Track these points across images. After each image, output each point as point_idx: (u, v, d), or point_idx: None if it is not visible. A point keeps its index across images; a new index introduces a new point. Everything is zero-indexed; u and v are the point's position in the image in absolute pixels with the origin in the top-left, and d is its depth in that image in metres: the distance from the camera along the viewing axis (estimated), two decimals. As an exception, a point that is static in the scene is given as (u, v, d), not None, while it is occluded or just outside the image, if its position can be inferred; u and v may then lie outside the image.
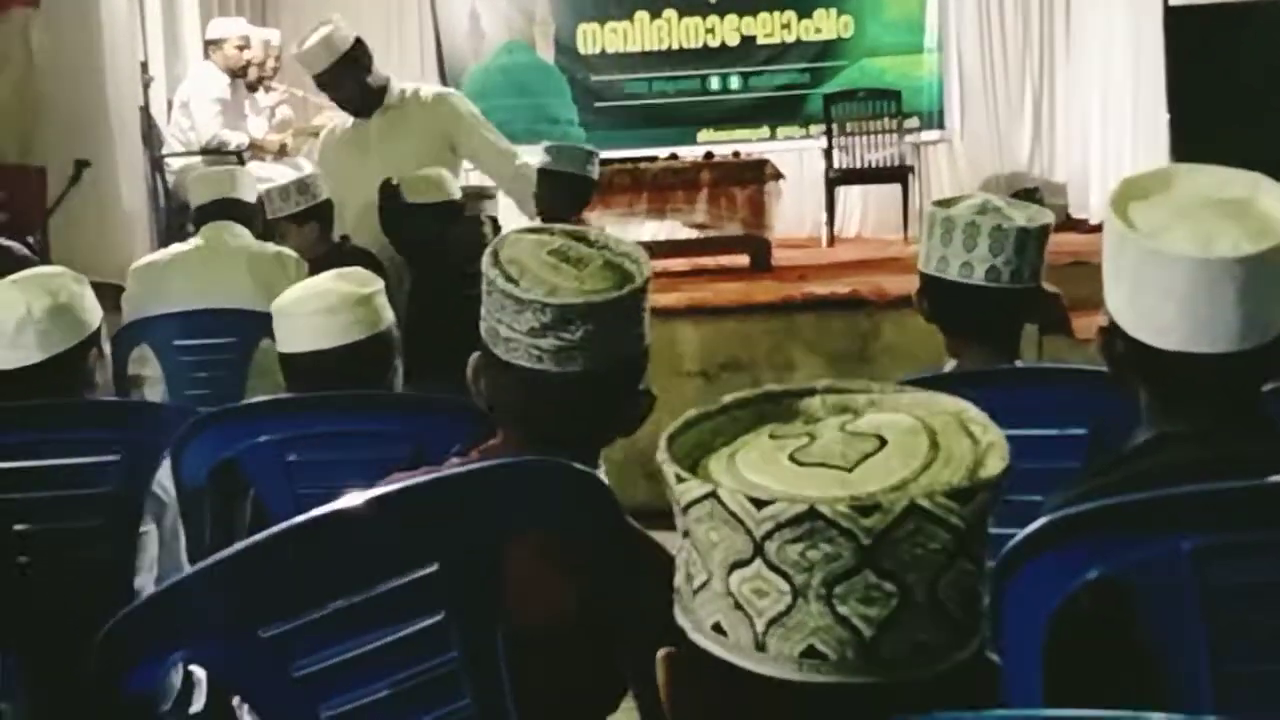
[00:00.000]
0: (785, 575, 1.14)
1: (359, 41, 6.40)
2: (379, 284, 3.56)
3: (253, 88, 9.54)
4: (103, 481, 3.30)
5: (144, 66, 9.03)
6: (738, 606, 1.17)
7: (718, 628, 1.19)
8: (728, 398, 1.29)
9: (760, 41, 11.91)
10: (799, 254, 10.21)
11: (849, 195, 11.40)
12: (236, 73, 9.34)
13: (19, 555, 3.23)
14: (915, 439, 1.20)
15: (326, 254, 5.74)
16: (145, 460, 3.34)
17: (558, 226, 2.39)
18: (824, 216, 10.84)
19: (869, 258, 9.92)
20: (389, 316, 3.54)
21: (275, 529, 2.01)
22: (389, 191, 5.63)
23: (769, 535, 1.14)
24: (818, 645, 1.15)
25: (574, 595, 2.15)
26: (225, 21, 9.67)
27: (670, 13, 11.97)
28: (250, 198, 5.85)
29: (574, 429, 2.26)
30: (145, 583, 3.41)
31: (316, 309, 3.43)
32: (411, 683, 2.05)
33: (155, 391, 5.21)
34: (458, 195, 5.61)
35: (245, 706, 2.90)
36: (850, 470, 1.17)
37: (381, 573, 2.01)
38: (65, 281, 3.44)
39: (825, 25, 11.73)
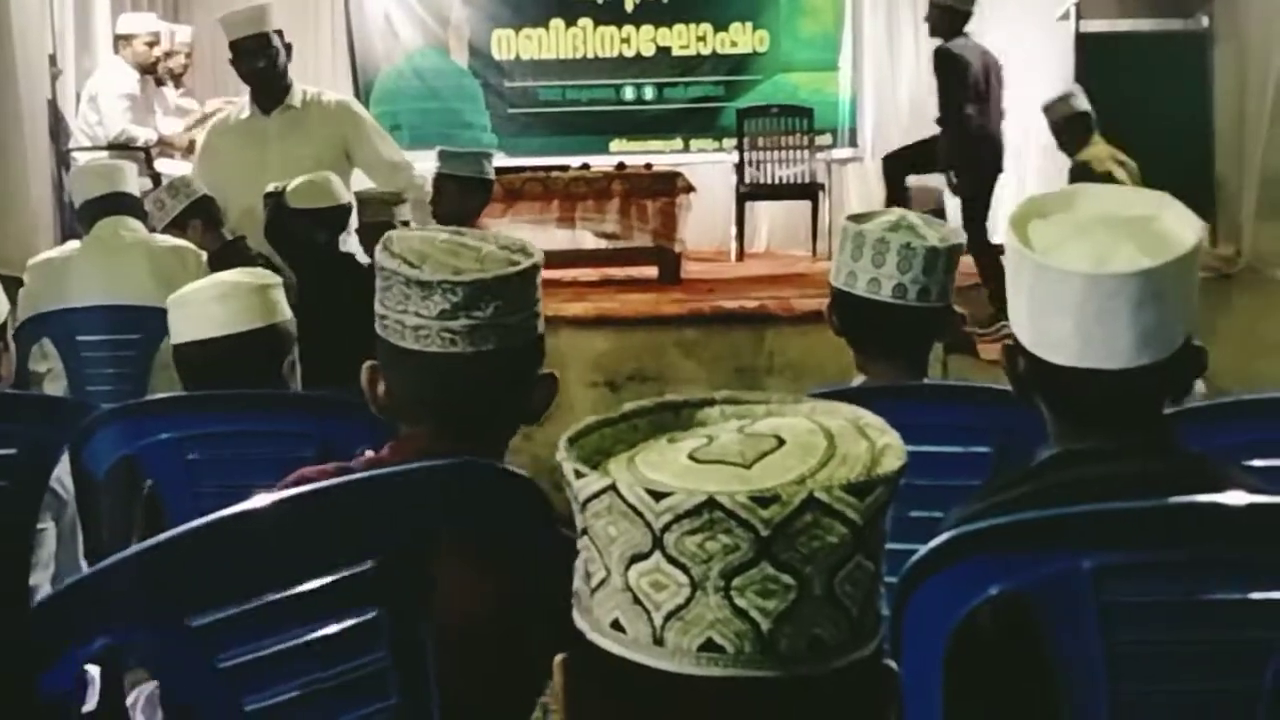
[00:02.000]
0: (684, 567, 1.14)
1: (282, 33, 6.37)
2: (277, 280, 3.55)
3: (161, 83, 9.47)
4: (2, 475, 3.25)
5: (52, 59, 8.93)
6: (636, 601, 1.17)
7: (616, 625, 1.18)
8: (628, 406, 1.29)
9: (676, 53, 11.96)
10: (708, 267, 10.26)
11: (759, 210, 11.44)
12: (146, 69, 9.26)
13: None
14: (813, 439, 1.20)
15: (220, 251, 5.68)
16: (43, 456, 3.29)
17: (440, 227, 2.40)
18: (734, 231, 10.87)
19: (777, 273, 9.97)
20: (286, 312, 3.51)
21: (211, 518, 1.99)
22: (273, 198, 5.54)
23: (668, 527, 1.14)
24: (715, 638, 1.14)
25: (494, 596, 2.15)
26: (136, 17, 9.59)
27: (586, 21, 11.99)
28: (134, 190, 5.79)
29: (487, 414, 2.27)
30: (41, 580, 3.37)
31: (209, 297, 3.41)
32: (339, 680, 2.05)
33: (57, 387, 5.15)
34: (346, 200, 5.54)
35: (138, 707, 2.89)
36: (749, 467, 1.17)
37: (315, 568, 2.02)
38: (-31, 273, 3.41)
39: (741, 39, 11.80)
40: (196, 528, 1.99)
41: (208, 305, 3.40)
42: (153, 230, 5.75)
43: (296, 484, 2.22)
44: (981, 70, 8.37)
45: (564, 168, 10.02)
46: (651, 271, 9.48)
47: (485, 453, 2.22)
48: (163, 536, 2.00)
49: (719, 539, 1.13)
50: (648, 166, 10.18)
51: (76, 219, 6.01)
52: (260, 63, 6.24)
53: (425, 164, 6.79)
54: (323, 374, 3.81)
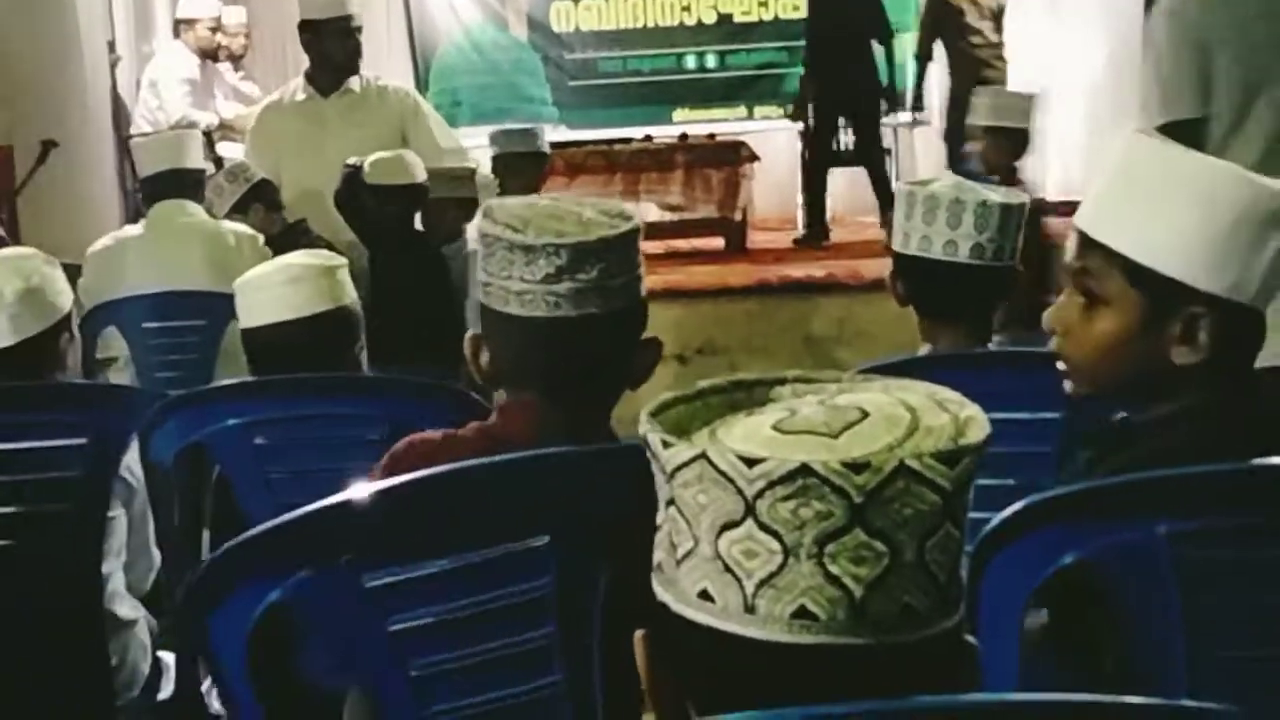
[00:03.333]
0: (776, 534, 1.15)
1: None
2: (342, 261, 3.55)
3: (216, 60, 9.49)
4: (71, 465, 3.25)
5: (111, 45, 8.98)
6: (727, 569, 1.17)
7: (704, 594, 1.19)
8: (702, 383, 1.29)
9: (737, 19, 11.88)
10: (774, 237, 10.20)
11: (837, 178, 11.33)
12: (208, 53, 9.29)
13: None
14: (895, 411, 1.21)
15: (282, 234, 5.69)
16: (113, 444, 3.30)
17: (537, 195, 2.41)
18: (800, 199, 10.79)
19: (845, 241, 9.91)
20: (352, 293, 3.51)
21: (391, 482, 2.03)
22: (351, 173, 5.56)
23: (760, 494, 1.14)
24: (808, 605, 1.15)
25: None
26: (196, 1, 9.61)
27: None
28: (199, 165, 5.81)
29: (593, 378, 2.27)
30: (113, 568, 3.39)
31: (280, 280, 3.40)
32: (506, 651, 2.07)
33: (123, 375, 5.17)
34: (421, 178, 5.56)
35: (214, 692, 2.89)
36: (836, 436, 1.17)
37: (492, 538, 2.04)
38: (37, 264, 3.41)
39: (803, 3, 11.67)
40: (377, 490, 2.03)
41: (277, 289, 3.39)
42: (213, 214, 5.77)
43: (406, 451, 2.25)
44: None
45: (626, 140, 9.99)
46: (717, 242, 9.44)
47: (592, 418, 2.25)
48: (341, 496, 2.03)
49: (812, 505, 1.14)
50: (710, 136, 10.13)
51: (140, 193, 6.03)
52: (342, 44, 6.22)
53: (481, 140, 6.79)
54: (392, 352, 3.81)
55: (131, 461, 3.37)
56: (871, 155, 9.73)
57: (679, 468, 1.19)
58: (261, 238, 5.53)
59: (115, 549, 3.39)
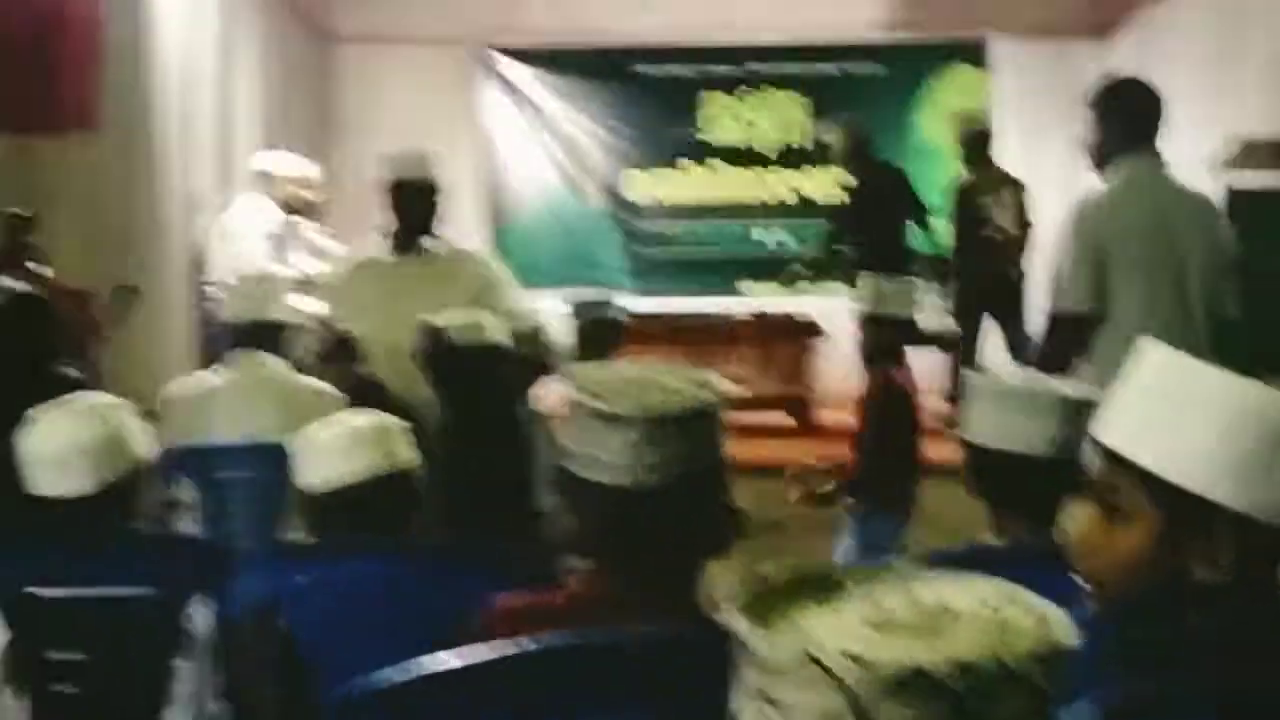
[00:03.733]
0: None
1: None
2: (405, 425, 3.55)
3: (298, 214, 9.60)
4: (139, 614, 3.27)
5: (191, 196, 9.11)
6: None
7: None
8: (766, 571, 1.32)
9: (821, 201, 11.96)
10: (843, 414, 10.14)
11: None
12: (293, 209, 9.39)
13: (57, 683, 3.21)
14: (981, 610, 1.22)
15: (359, 390, 5.70)
16: (182, 594, 3.31)
17: (621, 365, 2.42)
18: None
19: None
20: (412, 455, 3.51)
21: (411, 675, 2.04)
22: (433, 332, 5.60)
23: (870, 695, 1.15)
24: None
25: None
26: (277, 156, 9.72)
27: (715, 162, 12.07)
28: (284, 317, 5.84)
29: (677, 548, 2.28)
30: (173, 718, 3.37)
31: (335, 440, 3.41)
32: None
33: (189, 522, 5.17)
34: (500, 341, 5.59)
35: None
36: (934, 637, 1.18)
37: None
38: (117, 411, 3.44)
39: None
40: (399, 683, 2.02)
41: (335, 449, 3.40)
42: (297, 364, 5.81)
43: (501, 616, 2.27)
44: None
45: (697, 315, 10.04)
46: (784, 419, 9.43)
47: (676, 586, 2.24)
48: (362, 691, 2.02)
49: (920, 706, 1.15)
50: (784, 315, 10.16)
51: (225, 337, 6.07)
52: (423, 207, 6.30)
53: (558, 305, 6.83)
54: (465, 513, 3.80)
55: (199, 613, 3.37)
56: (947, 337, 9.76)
57: (781, 665, 1.19)
58: (339, 396, 5.56)
59: (178, 699, 3.37)
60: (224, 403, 5.49)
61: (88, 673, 3.26)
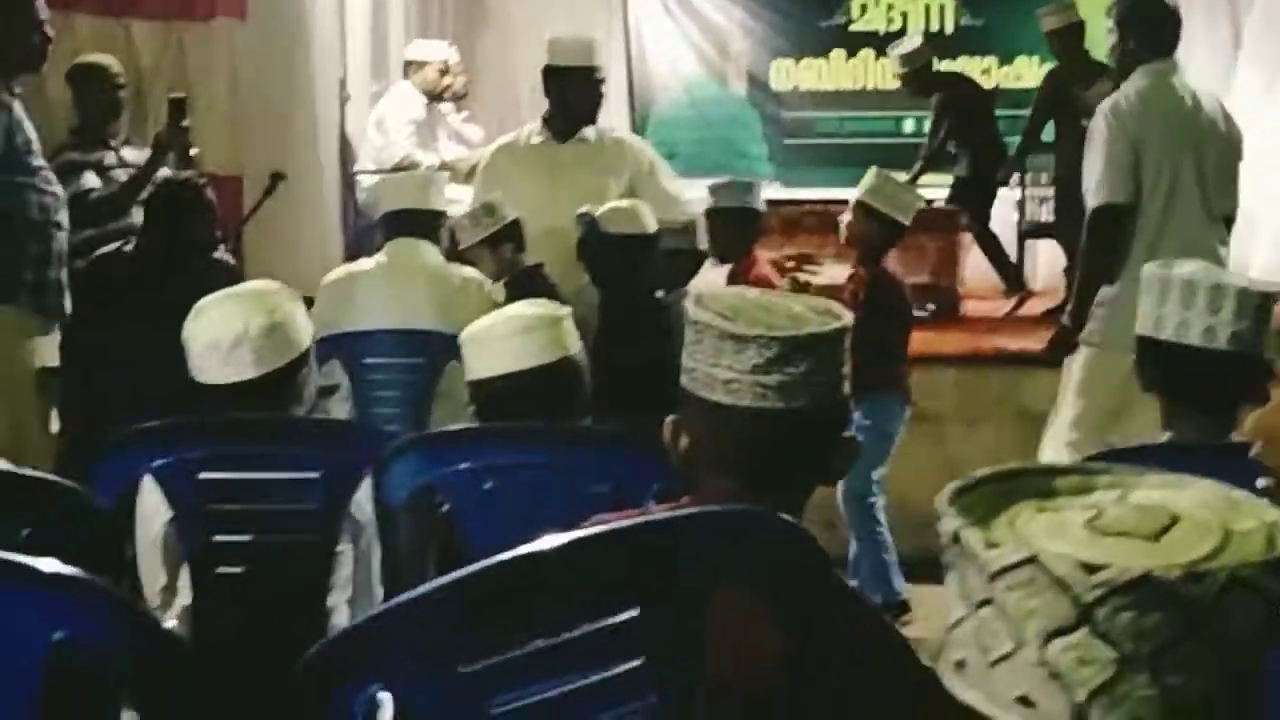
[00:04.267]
0: (1113, 644, 1.13)
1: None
2: (569, 312, 3.56)
3: (441, 101, 9.61)
4: (303, 498, 3.33)
5: (342, 84, 9.14)
6: (1054, 676, 1.15)
7: (1024, 700, 1.17)
8: (980, 472, 1.29)
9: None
10: (988, 306, 10.06)
11: (1040, 248, 11.16)
12: (433, 95, 9.41)
13: (223, 566, 3.26)
14: (1204, 514, 1.19)
15: (521, 276, 5.72)
16: (346, 480, 3.35)
17: (747, 287, 2.42)
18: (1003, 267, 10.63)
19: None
20: (578, 343, 3.52)
21: (478, 565, 1.99)
22: (587, 220, 5.60)
23: (1099, 602, 1.12)
24: (1144, 717, 1.13)
25: (768, 647, 2.11)
26: (427, 44, 9.74)
27: (867, 52, 11.90)
28: (440, 207, 5.87)
29: (791, 470, 2.27)
30: (337, 601, 3.42)
31: (510, 332, 3.43)
32: None
33: (343, 406, 5.24)
34: (653, 228, 5.58)
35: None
36: (1156, 540, 1.16)
37: (584, 614, 2.00)
38: (281, 299, 3.46)
39: (1026, 73, 11.55)
40: (465, 576, 1.98)
41: (508, 340, 3.42)
42: (458, 248, 5.84)
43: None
44: None
45: (843, 202, 9.93)
46: (929, 309, 9.34)
47: (784, 509, 2.18)
48: (433, 584, 2.00)
49: (1151, 616, 1.11)
50: (928, 203, 10.04)
51: (379, 227, 6.11)
52: (587, 93, 6.28)
53: (698, 193, 6.79)
54: (616, 400, 3.81)
55: (362, 498, 3.41)
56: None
57: (1004, 570, 1.17)
58: (489, 283, 5.59)
59: (340, 583, 3.42)
60: (378, 289, 5.54)
61: (252, 555, 3.31)
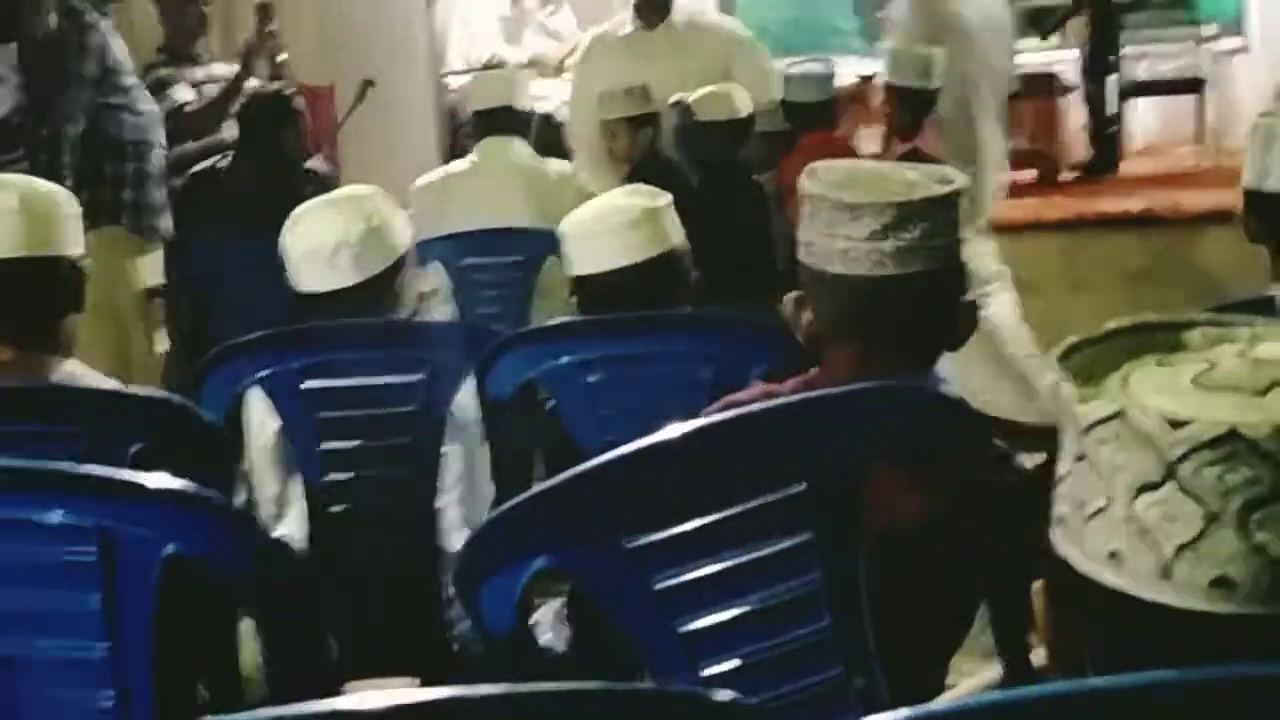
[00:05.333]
0: (1199, 499, 1.10)
1: None
2: (668, 198, 3.52)
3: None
4: (408, 400, 3.33)
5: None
6: (1142, 532, 1.13)
7: (1114, 555, 1.15)
8: (1109, 324, 1.26)
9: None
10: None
11: (1139, 107, 10.99)
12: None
13: (333, 473, 3.29)
14: None
15: (645, 163, 5.69)
16: (449, 380, 3.36)
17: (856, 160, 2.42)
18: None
19: (1161, 173, 9.62)
20: (681, 234, 3.50)
21: (646, 441, 2.03)
22: (681, 108, 5.57)
23: (1184, 457, 1.10)
24: (1230, 574, 1.10)
25: (927, 518, 2.18)
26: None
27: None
28: (527, 105, 5.84)
29: (915, 336, 2.29)
30: (448, 503, 3.43)
31: (614, 226, 3.40)
32: (771, 601, 2.07)
33: (444, 309, 5.25)
34: (747, 112, 5.53)
35: (545, 624, 2.93)
36: (1262, 395, 1.12)
37: (748, 491, 2.04)
38: (378, 204, 3.46)
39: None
40: (633, 451, 2.02)
41: (609, 237, 3.38)
42: (606, 118, 5.81)
43: (721, 411, 2.23)
44: None
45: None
46: (1029, 175, 9.23)
47: (911, 375, 2.24)
48: (601, 460, 2.04)
49: (1240, 471, 1.09)
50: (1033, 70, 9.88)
51: (470, 127, 6.10)
52: None
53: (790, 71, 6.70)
54: (717, 287, 3.79)
55: (465, 397, 3.42)
56: None
57: (1094, 424, 1.15)
58: (581, 175, 5.58)
59: (450, 483, 3.43)
60: (472, 189, 5.55)
61: (360, 460, 3.33)
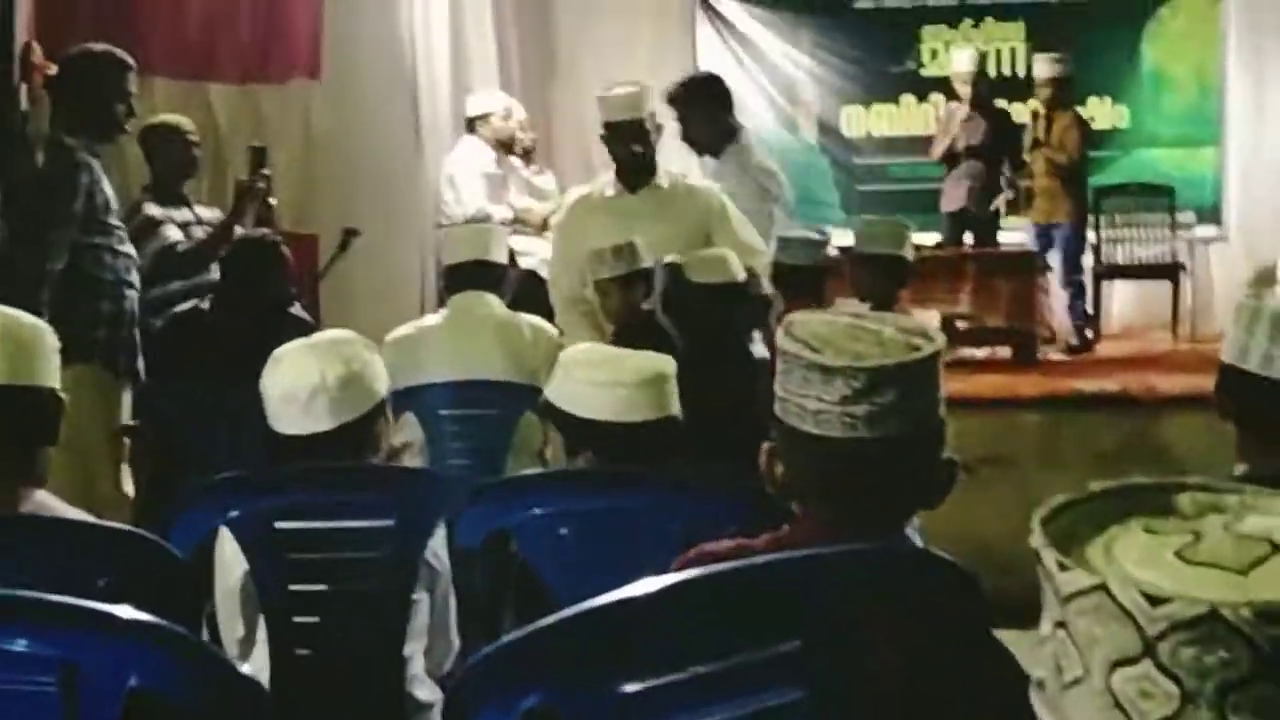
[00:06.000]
0: (1176, 678, 1.09)
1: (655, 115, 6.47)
2: (674, 367, 3.53)
3: (511, 152, 9.63)
4: (379, 546, 3.32)
5: (416, 132, 9.21)
6: (1117, 706, 1.12)
7: None
8: (1095, 486, 1.26)
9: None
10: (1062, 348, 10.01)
11: (1116, 290, 11.11)
12: (504, 145, 9.44)
13: (299, 615, 3.27)
14: None
15: (632, 324, 5.69)
16: (420, 527, 3.36)
17: (839, 312, 2.40)
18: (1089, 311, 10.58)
19: (1137, 355, 9.70)
20: (678, 404, 3.49)
21: (645, 587, 2.03)
22: (671, 270, 5.59)
23: (1162, 635, 1.09)
24: None
25: (922, 685, 2.12)
26: (484, 96, 9.75)
27: (937, 97, 11.83)
28: (502, 259, 5.86)
29: (888, 499, 2.26)
30: (414, 651, 3.42)
31: (623, 379, 3.38)
32: None
33: (417, 460, 5.25)
34: (742, 277, 5.55)
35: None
36: (1245, 574, 1.11)
37: (745, 643, 2.03)
38: (358, 349, 3.46)
39: (1099, 114, 11.45)
40: (634, 595, 2.01)
41: (620, 390, 3.36)
42: (596, 279, 5.84)
43: (697, 561, 2.24)
44: None
45: (919, 247, 9.90)
46: (1005, 352, 9.30)
47: (884, 535, 2.23)
48: (600, 601, 2.03)
49: (1217, 653, 1.07)
50: (1009, 249, 10.00)
51: (443, 281, 6.13)
52: (635, 147, 6.28)
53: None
54: (699, 448, 3.79)
55: (436, 545, 3.41)
56: None
57: (1074, 595, 1.14)
58: (556, 332, 5.60)
59: (417, 631, 3.42)
60: (446, 342, 5.55)
61: (329, 604, 3.32)
